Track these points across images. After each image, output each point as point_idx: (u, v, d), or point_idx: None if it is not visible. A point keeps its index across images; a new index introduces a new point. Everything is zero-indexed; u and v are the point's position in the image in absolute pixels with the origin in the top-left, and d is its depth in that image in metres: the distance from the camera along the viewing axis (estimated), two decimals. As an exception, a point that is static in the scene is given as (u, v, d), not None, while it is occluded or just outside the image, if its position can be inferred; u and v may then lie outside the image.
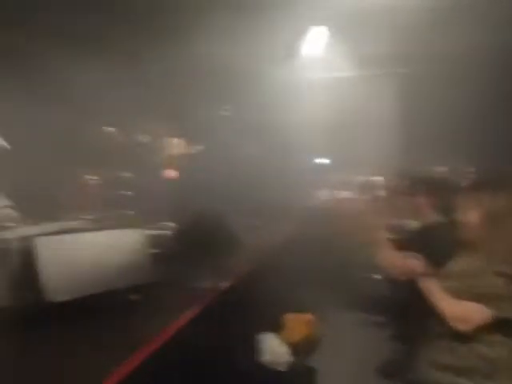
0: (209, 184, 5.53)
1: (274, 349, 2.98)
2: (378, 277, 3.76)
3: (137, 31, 4.59)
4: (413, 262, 1.67)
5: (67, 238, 2.57)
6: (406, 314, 2.27)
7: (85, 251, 2.51)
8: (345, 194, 5.91)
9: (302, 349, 3.13)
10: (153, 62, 3.98)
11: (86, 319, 2.42)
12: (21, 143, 5.38)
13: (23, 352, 2.24)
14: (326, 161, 7.66)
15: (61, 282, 2.31)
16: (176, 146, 6.30)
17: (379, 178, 6.14)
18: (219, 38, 5.15)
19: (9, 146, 5.09)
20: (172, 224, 5.81)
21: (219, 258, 3.23)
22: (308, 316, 3.36)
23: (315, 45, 6.39)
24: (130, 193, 6.44)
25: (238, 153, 6.00)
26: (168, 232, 3.44)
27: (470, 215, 1.63)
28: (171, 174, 6.32)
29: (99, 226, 5.89)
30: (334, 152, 7.39)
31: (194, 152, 4.48)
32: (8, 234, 4.50)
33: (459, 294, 1.58)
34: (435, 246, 1.87)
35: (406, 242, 2.03)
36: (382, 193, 5.71)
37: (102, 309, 2.47)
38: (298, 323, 3.27)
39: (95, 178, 6.32)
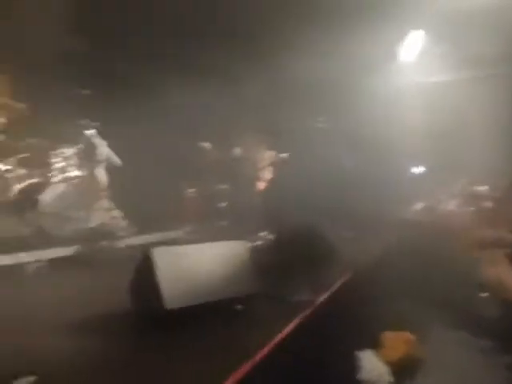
0: (304, 195, 5.55)
1: (373, 367, 2.87)
2: (485, 295, 3.48)
3: (235, 52, 4.83)
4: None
5: (179, 248, 2.75)
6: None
7: (194, 261, 2.66)
8: (447, 205, 5.57)
9: (401, 369, 2.97)
10: (249, 78, 4.15)
11: (192, 327, 2.54)
12: (130, 159, 5.91)
13: (138, 355, 2.41)
14: (425, 170, 7.26)
15: (175, 290, 2.47)
16: (270, 158, 6.45)
17: (484, 188, 5.72)
18: (315, 49, 5.21)
19: (120, 162, 5.63)
20: (268, 235, 5.93)
21: (317, 271, 3.21)
22: (407, 334, 3.18)
23: (413, 49, 6.16)
24: (225, 204, 6.70)
25: (334, 164, 5.95)
26: (266, 243, 3.51)
27: None
28: (265, 185, 6.47)
29: (199, 236, 6.31)
30: (434, 160, 7.00)
31: (287, 164, 4.55)
32: (120, 243, 5.01)
33: None
34: None
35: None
36: (488, 203, 5.28)
37: (208, 318, 2.58)
38: (397, 341, 3.11)
39: (194, 190, 6.69)
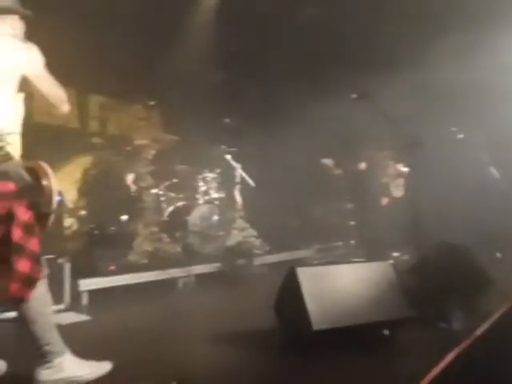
0: (438, 212, 5.18)
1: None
2: None
3: (370, 69, 4.81)
4: None
5: (321, 268, 2.78)
6: None
7: (337, 282, 2.66)
8: None
9: None
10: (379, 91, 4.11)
11: (336, 350, 2.52)
12: (262, 180, 6.22)
13: (279, 372, 2.47)
14: None
15: (321, 311, 2.49)
16: (399, 172, 6.17)
17: None
18: (452, 57, 4.93)
19: (253, 184, 5.95)
20: (402, 255, 5.63)
21: (471, 296, 2.95)
22: None
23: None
24: (353, 223, 6.58)
25: (471, 178, 5.45)
26: (411, 264, 3.34)
27: None
28: (392, 201, 6.20)
29: (327, 255, 6.31)
30: None
31: (416, 178, 4.29)
32: (255, 261, 5.26)
33: None
34: None
35: None
36: None
37: (353, 342, 2.54)
38: None
39: (323, 209, 6.72)
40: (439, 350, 2.48)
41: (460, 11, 5.05)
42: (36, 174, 2.04)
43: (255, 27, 5.72)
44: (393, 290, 2.67)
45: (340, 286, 2.63)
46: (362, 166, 6.26)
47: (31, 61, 2.08)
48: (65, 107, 2.24)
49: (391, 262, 2.91)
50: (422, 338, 2.77)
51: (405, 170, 6.42)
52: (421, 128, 4.11)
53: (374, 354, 2.54)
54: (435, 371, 2.31)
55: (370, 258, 5.76)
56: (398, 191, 6.39)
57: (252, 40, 5.99)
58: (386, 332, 2.56)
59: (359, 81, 3.93)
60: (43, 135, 4.70)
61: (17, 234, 1.97)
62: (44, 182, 2.04)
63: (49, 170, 2.09)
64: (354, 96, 3.69)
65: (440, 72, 5.61)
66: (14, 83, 2.06)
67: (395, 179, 6.38)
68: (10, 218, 1.97)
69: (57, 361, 2.11)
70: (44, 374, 2.10)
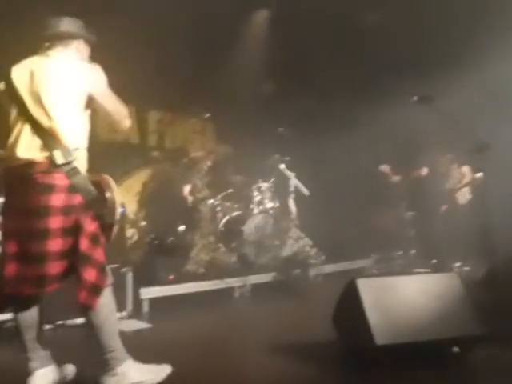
0: (509, 219, 4.83)
1: None
2: None
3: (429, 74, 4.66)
4: None
5: (382, 280, 2.66)
6: None
7: (399, 294, 2.53)
8: None
9: None
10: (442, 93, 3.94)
11: (400, 367, 2.40)
12: (316, 189, 6.15)
13: None
14: None
15: (384, 325, 2.38)
16: (465, 177, 5.82)
17: None
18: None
19: (308, 192, 5.89)
20: (463, 266, 5.30)
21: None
22: None
23: None
24: (413, 231, 6.30)
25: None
26: (480, 277, 3.12)
27: None
28: (460, 209, 5.86)
29: (386, 265, 6.07)
30: None
31: (488, 184, 3.97)
32: (311, 271, 5.18)
33: None
34: None
35: None
36: None
37: (418, 359, 2.40)
38: None
39: (381, 217, 6.50)
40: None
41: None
42: (101, 187, 2.17)
43: (308, 35, 5.71)
44: (461, 304, 2.50)
45: (403, 298, 2.51)
46: (424, 171, 5.98)
47: (96, 80, 2.23)
48: (126, 123, 2.36)
49: (457, 273, 2.73)
50: (497, 358, 2.56)
51: (471, 174, 6.05)
52: (488, 130, 3.87)
53: (441, 373, 2.38)
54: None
55: (432, 268, 5.51)
56: (463, 197, 6.04)
57: (305, 48, 5.98)
58: (456, 349, 2.39)
59: (421, 83, 3.78)
60: (107, 150, 4.97)
61: (84, 244, 2.07)
62: (108, 195, 2.16)
63: (112, 183, 2.22)
64: (414, 99, 3.54)
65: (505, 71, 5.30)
66: (81, 101, 2.20)
67: (460, 184, 6.02)
68: (77, 229, 2.08)
69: (120, 368, 2.18)
70: (110, 381, 2.18)
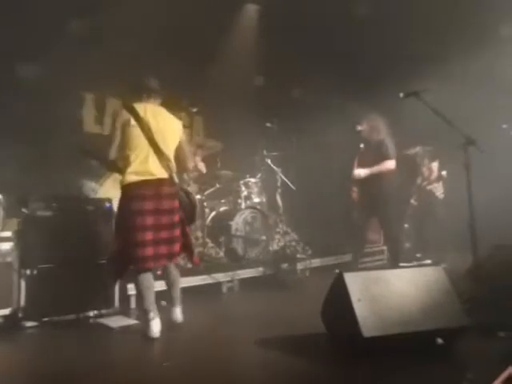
0: (492, 214, 4.93)
1: None
2: None
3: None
4: None
5: (370, 273, 2.69)
6: None
7: (387, 288, 2.56)
8: None
9: None
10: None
11: (386, 359, 2.44)
12: (303, 184, 6.18)
13: (325, 378, 2.42)
14: None
15: (371, 317, 2.41)
16: (430, 172, 5.91)
17: None
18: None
19: (294, 188, 5.92)
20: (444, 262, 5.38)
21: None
22: None
23: None
24: (406, 225, 6.37)
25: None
26: (465, 269, 3.18)
27: None
28: (430, 202, 5.96)
29: (372, 259, 6.13)
30: None
31: (469, 178, 4.00)
32: (298, 266, 5.22)
33: None
34: None
35: None
36: None
37: (404, 350, 2.44)
38: None
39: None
40: (499, 360, 2.34)
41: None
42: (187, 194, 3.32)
43: (296, 31, 5.72)
44: (447, 297, 2.55)
45: (390, 291, 2.54)
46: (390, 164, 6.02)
47: (182, 131, 3.38)
48: (191, 164, 3.61)
49: (444, 266, 2.77)
50: (481, 347, 2.63)
51: (438, 170, 6.12)
52: (472, 126, 3.94)
53: (428, 363, 2.43)
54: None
55: (417, 262, 5.60)
56: (438, 192, 6.10)
57: (294, 43, 5.99)
58: (440, 341, 2.44)
59: (409, 79, 3.82)
60: (94, 143, 4.90)
61: (189, 230, 3.39)
62: (192, 200, 3.33)
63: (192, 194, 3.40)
64: (401, 95, 3.58)
65: (490, 68, 5.39)
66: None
67: (428, 181, 6.08)
68: (182, 221, 3.25)
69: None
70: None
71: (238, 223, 4.99)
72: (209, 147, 5.14)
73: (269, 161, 5.69)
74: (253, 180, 5.45)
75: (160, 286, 3.47)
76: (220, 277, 4.44)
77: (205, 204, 5.11)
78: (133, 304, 3.81)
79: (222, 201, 5.33)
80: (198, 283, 4.28)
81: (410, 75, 4.02)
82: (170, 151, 3.21)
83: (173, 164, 3.20)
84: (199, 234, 4.86)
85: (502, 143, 5.50)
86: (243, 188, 5.33)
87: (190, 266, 4.54)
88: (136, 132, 3.09)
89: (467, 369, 2.39)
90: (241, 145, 5.57)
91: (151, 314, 3.02)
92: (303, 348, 2.78)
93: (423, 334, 2.46)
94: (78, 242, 3.51)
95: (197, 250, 4.70)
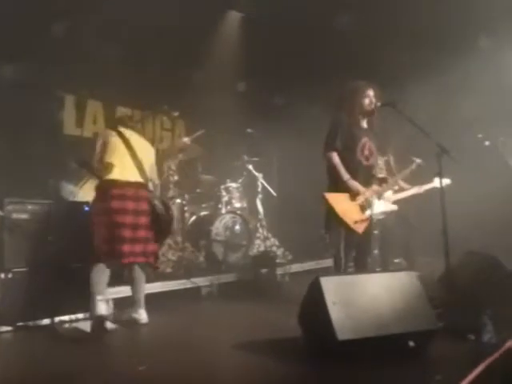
0: (467, 221, 5.06)
1: None
2: None
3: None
4: None
5: (346, 278, 2.75)
6: None
7: (362, 292, 2.62)
8: None
9: None
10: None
11: (360, 361, 2.48)
12: (283, 189, 6.24)
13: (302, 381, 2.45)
14: None
15: (346, 321, 2.45)
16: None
17: None
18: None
19: (275, 194, 5.97)
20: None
21: (500, 309, 2.86)
22: None
23: None
24: (376, 232, 6.45)
25: (501, 186, 5.30)
26: (439, 274, 3.26)
27: None
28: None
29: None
30: None
31: (443, 187, 4.12)
32: (278, 270, 5.25)
33: None
34: None
35: None
36: None
37: (377, 353, 2.49)
38: None
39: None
40: (468, 362, 2.42)
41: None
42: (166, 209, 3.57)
43: (278, 37, 5.79)
44: (419, 301, 2.62)
45: (365, 295, 2.59)
46: None
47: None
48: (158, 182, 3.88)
49: (416, 272, 2.85)
50: (451, 350, 2.70)
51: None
52: (447, 135, 4.05)
53: (400, 365, 2.49)
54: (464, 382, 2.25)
55: (394, 267, 5.68)
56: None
57: (277, 49, 6.06)
58: (411, 343, 2.50)
59: (387, 89, 3.91)
60: (74, 146, 5.17)
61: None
62: (170, 215, 3.64)
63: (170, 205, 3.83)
64: (378, 104, 3.66)
65: (464, 78, 5.55)
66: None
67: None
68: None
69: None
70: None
71: (218, 228, 5.00)
72: (189, 151, 5.14)
73: (250, 166, 5.73)
74: (234, 185, 5.48)
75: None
76: (199, 281, 4.43)
77: (185, 208, 5.11)
78: (110, 308, 3.78)
79: (203, 205, 5.34)
80: (177, 287, 4.27)
81: (389, 85, 4.11)
82: (145, 165, 3.56)
83: (147, 175, 3.55)
84: (179, 238, 4.85)
85: (476, 153, 5.67)
86: (224, 193, 5.35)
87: (169, 270, 4.58)
88: (118, 142, 3.45)
89: (438, 370, 2.46)
90: (222, 150, 5.60)
91: (99, 297, 3.25)
92: (280, 351, 2.80)
93: (396, 336, 2.52)
94: (55, 245, 3.46)
95: (176, 254, 4.74)
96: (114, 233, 3.28)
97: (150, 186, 3.63)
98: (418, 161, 4.12)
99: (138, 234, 3.37)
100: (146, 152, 3.66)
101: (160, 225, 3.48)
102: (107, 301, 3.44)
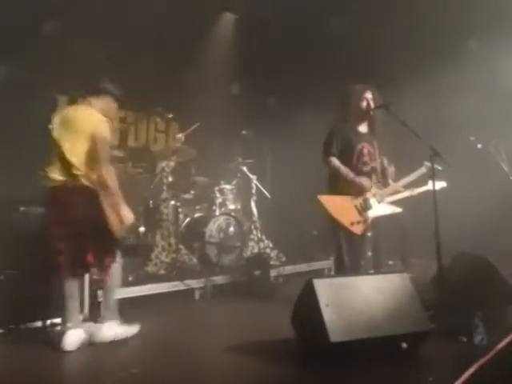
0: (459, 223, 5.08)
1: None
2: None
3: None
4: None
5: (339, 280, 2.76)
6: None
7: (355, 294, 2.63)
8: None
9: None
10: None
11: (352, 363, 2.49)
12: (277, 192, 6.24)
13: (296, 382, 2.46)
14: None
15: (339, 323, 2.46)
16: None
17: None
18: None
19: (269, 196, 5.97)
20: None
21: (492, 310, 2.89)
22: None
23: None
24: (369, 234, 6.48)
25: (493, 189, 5.35)
26: (431, 277, 3.28)
27: None
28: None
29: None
30: None
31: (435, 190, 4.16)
32: (272, 272, 5.25)
33: None
34: None
35: None
36: None
37: (370, 354, 2.50)
38: None
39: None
40: (460, 363, 2.43)
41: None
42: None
43: (272, 40, 5.81)
44: (411, 303, 2.63)
45: (358, 297, 2.61)
46: None
47: (100, 126, 3.13)
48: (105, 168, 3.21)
49: (408, 274, 2.86)
50: (443, 351, 2.72)
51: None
52: (439, 138, 4.07)
53: (393, 367, 2.50)
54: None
55: (387, 269, 5.70)
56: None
57: (269, 52, 6.08)
58: (404, 345, 2.51)
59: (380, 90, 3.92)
60: None
61: None
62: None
63: None
64: (371, 107, 3.68)
65: (456, 80, 5.59)
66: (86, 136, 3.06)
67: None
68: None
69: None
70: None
71: (212, 230, 4.99)
72: (184, 153, 5.13)
73: (244, 168, 5.73)
74: (228, 187, 5.48)
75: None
76: (193, 283, 4.42)
77: (179, 210, 5.10)
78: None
79: (197, 207, 5.33)
80: (170, 289, 4.26)
81: (382, 88, 4.13)
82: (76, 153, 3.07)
83: (79, 170, 3.06)
84: (173, 240, 4.84)
85: (468, 155, 5.71)
86: (218, 195, 5.34)
87: (162, 272, 4.57)
88: None
89: (430, 371, 2.48)
90: (216, 152, 5.60)
91: (68, 325, 2.95)
92: (273, 353, 2.81)
93: (388, 338, 2.53)
94: (47, 247, 3.43)
95: (170, 256, 4.73)
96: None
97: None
98: (428, 164, 4.13)
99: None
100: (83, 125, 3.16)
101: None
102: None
